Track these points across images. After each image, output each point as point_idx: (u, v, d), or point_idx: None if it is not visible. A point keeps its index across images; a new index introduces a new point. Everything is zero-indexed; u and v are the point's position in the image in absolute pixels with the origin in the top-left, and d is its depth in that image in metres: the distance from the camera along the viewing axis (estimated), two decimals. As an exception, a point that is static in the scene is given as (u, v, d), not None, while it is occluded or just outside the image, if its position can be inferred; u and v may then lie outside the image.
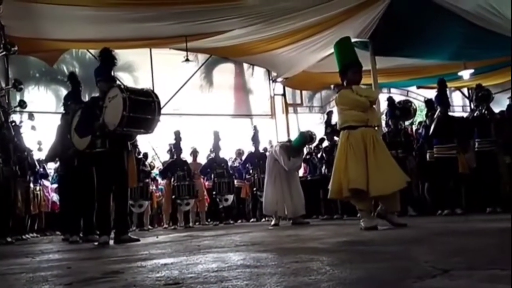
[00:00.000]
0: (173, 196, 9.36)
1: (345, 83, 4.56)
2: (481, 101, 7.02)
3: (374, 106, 4.61)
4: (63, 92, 10.43)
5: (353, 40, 10.47)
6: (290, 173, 7.12)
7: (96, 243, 4.80)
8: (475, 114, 7.19)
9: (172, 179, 9.45)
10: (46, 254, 4.04)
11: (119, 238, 4.78)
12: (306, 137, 7.61)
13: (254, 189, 10.12)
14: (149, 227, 9.81)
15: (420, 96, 14.07)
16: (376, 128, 4.57)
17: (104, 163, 4.78)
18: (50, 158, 7.02)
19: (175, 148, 9.57)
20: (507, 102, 6.91)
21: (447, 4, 8.93)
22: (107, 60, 4.97)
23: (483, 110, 6.97)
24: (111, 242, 4.75)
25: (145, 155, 9.71)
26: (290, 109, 14.03)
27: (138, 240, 4.84)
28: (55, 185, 9.67)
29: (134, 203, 8.90)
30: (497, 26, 9.09)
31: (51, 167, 10.08)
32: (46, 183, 10.15)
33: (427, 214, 7.27)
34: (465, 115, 9.49)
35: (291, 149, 7.05)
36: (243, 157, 10.84)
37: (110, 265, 2.62)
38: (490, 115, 6.90)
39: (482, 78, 11.04)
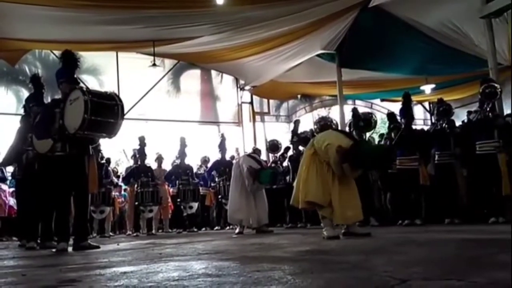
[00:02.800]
0: (136, 203, 9.18)
1: None
2: (442, 116, 7.27)
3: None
4: (25, 93, 10.14)
5: (320, 51, 10.75)
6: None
7: (54, 250, 4.64)
8: (436, 128, 7.43)
9: (136, 185, 9.27)
10: (1, 261, 3.89)
11: (78, 245, 4.63)
12: (275, 180, 7.72)
13: (219, 197, 10.06)
14: (111, 233, 9.59)
15: (383, 108, 14.41)
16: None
17: (64, 167, 4.65)
18: (7, 161, 6.74)
19: (139, 154, 9.41)
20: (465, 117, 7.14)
21: (411, 21, 9.22)
22: (69, 62, 4.85)
23: (444, 124, 7.22)
24: (70, 249, 4.60)
25: (108, 160, 9.50)
26: (257, 117, 14.09)
27: (98, 247, 4.71)
28: (12, 189, 9.32)
29: (95, 209, 8.69)
30: (458, 43, 9.44)
31: (11, 170, 9.72)
32: (4, 187, 9.78)
33: (388, 224, 7.42)
34: (426, 128, 9.77)
35: (257, 177, 7.02)
36: (209, 165, 10.77)
37: (67, 273, 2.55)
38: (450, 129, 7.14)
39: (443, 93, 11.41)
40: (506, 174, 6.15)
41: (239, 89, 13.91)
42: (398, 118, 7.64)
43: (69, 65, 4.84)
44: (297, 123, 9.16)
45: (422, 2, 8.33)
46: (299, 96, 14.48)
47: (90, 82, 11.35)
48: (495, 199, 6.23)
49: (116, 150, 10.72)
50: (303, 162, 4.58)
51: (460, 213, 6.86)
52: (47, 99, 6.98)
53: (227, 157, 10.24)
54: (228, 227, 10.04)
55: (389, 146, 7.28)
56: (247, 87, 13.54)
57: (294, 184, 4.72)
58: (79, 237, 4.72)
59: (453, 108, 7.58)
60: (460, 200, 6.99)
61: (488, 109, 6.42)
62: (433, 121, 9.55)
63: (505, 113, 7.15)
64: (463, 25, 8.84)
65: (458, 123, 7.46)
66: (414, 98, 9.91)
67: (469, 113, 7.19)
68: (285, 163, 9.79)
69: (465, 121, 7.10)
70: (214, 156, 10.43)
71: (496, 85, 6.48)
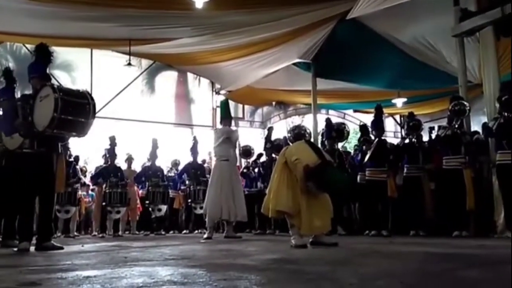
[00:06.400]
0: (104, 203, 9.02)
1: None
2: (412, 130, 7.44)
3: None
4: (-6, 86, 9.82)
5: (296, 60, 10.85)
6: (234, 179, 7.05)
7: (15, 249, 4.50)
8: (405, 142, 7.59)
9: (104, 185, 9.11)
10: (-43, 260, 3.74)
11: (41, 245, 4.51)
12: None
13: (189, 200, 10.00)
14: (76, 234, 9.37)
15: (356, 119, 14.63)
16: None
17: (30, 164, 4.53)
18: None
19: (109, 154, 9.26)
20: (435, 131, 7.32)
21: (387, 35, 9.40)
22: (42, 57, 4.74)
23: (413, 139, 7.39)
24: (32, 249, 4.48)
25: (76, 158, 9.31)
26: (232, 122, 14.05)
27: (61, 248, 4.59)
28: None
29: (60, 208, 8.48)
30: (431, 60, 9.68)
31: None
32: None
33: (356, 233, 7.52)
34: (396, 141, 9.97)
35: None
36: (179, 168, 10.69)
37: (27, 274, 2.47)
38: (419, 144, 7.32)
39: (413, 107, 11.66)
40: (471, 190, 6.34)
41: (214, 93, 13.87)
42: (370, 129, 7.78)
43: (42, 59, 4.72)
44: (270, 130, 9.21)
45: (398, 18, 8.50)
46: (274, 103, 14.56)
47: (62, 78, 11.10)
48: (459, 213, 6.40)
49: (85, 148, 10.49)
50: (275, 170, 4.61)
51: (425, 225, 7.02)
52: (17, 94, 6.82)
53: (199, 161, 10.20)
54: (196, 231, 9.98)
55: (351, 179, 7.31)
56: (222, 91, 13.51)
57: (267, 191, 4.73)
58: (42, 237, 4.60)
59: (422, 123, 7.78)
60: (426, 213, 7.16)
61: (456, 125, 6.61)
62: (403, 134, 9.76)
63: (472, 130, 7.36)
64: (437, 43, 9.08)
65: (427, 137, 7.63)
66: (385, 110, 10.11)
67: (438, 128, 7.37)
68: (256, 169, 9.82)
69: (433, 136, 7.28)
70: (186, 159, 10.35)
71: (465, 103, 6.69)
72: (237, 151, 11.28)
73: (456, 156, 6.56)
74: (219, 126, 7.65)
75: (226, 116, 7.30)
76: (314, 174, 4.16)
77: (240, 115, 14.53)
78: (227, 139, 6.95)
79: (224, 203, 6.78)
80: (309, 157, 4.30)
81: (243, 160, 10.68)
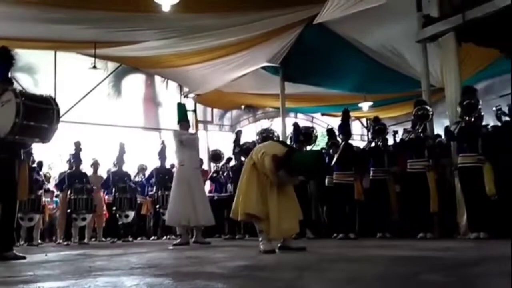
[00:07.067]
0: (69, 210, 8.78)
1: None
2: (377, 134, 7.59)
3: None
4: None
5: (265, 64, 10.90)
6: (193, 184, 6.79)
7: (-26, 260, 4.33)
8: (371, 145, 7.73)
9: (69, 192, 8.87)
10: None
11: (2, 254, 4.34)
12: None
13: (157, 206, 9.85)
14: (39, 242, 9.10)
15: (323, 122, 14.80)
16: None
17: (-9, 171, 4.37)
18: None
19: (74, 159, 9.04)
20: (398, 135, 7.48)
21: (353, 40, 9.57)
22: (4, 60, 4.60)
23: (378, 142, 7.53)
24: (-8, 259, 4.31)
25: (40, 164, 9.04)
26: (200, 126, 13.98)
27: (23, 257, 4.44)
28: None
29: (23, 216, 8.23)
30: (395, 64, 9.91)
31: None
32: None
33: (324, 236, 7.60)
34: (363, 144, 10.13)
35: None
36: (146, 173, 10.54)
37: (-15, 288, 2.38)
38: (384, 147, 7.47)
39: (379, 111, 11.91)
40: (435, 192, 6.51)
41: (182, 96, 13.75)
42: (337, 133, 7.88)
43: (3, 63, 4.59)
44: (239, 133, 9.20)
45: (364, 23, 8.66)
46: (243, 106, 14.57)
47: (24, 81, 10.76)
48: (424, 215, 6.55)
49: (49, 153, 10.22)
50: (243, 173, 4.58)
51: (391, 227, 7.16)
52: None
53: (167, 165, 10.06)
54: (165, 237, 9.85)
55: (320, 151, 7.42)
56: (191, 95, 13.41)
57: (236, 195, 4.69)
58: (3, 246, 4.43)
59: (387, 126, 7.94)
60: (392, 215, 7.30)
61: (420, 129, 6.77)
62: (369, 138, 9.93)
63: (435, 133, 7.57)
64: (401, 47, 9.30)
65: (392, 141, 7.79)
66: (352, 114, 10.26)
67: (404, 131, 7.53)
68: (226, 173, 9.78)
69: (397, 139, 7.43)
70: (154, 164, 10.21)
71: (428, 108, 6.87)
72: (205, 155, 11.30)
73: (419, 159, 6.72)
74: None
75: (182, 119, 7.15)
76: (283, 161, 4.17)
77: (209, 119, 14.47)
78: (180, 143, 6.85)
79: (182, 209, 6.55)
80: (275, 149, 4.33)
81: (212, 165, 10.63)
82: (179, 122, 7.09)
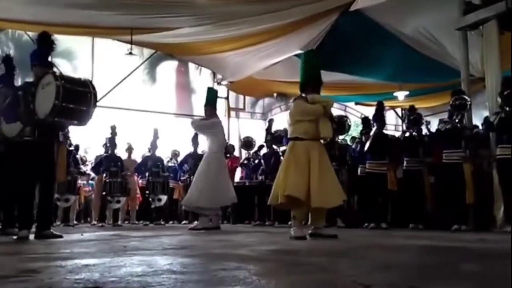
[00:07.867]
0: (104, 193, 9.03)
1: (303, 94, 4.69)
2: (412, 124, 7.43)
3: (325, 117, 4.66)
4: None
5: (298, 52, 10.78)
6: (208, 169, 6.90)
7: (15, 237, 4.52)
8: (406, 135, 7.58)
9: (104, 175, 9.11)
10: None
11: (41, 233, 4.52)
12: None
13: (189, 190, 9.99)
14: (75, 223, 9.40)
15: (357, 112, 14.59)
16: (323, 141, 4.70)
17: (31, 153, 4.53)
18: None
19: (110, 143, 9.25)
20: (436, 125, 7.31)
21: (390, 28, 9.35)
22: (45, 45, 4.73)
23: (413, 132, 7.38)
24: (32, 237, 4.49)
25: (77, 147, 9.31)
26: (232, 113, 14.03)
27: (61, 236, 4.61)
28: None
29: (60, 196, 8.50)
30: (433, 53, 9.63)
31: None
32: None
33: (355, 226, 7.54)
34: (397, 134, 9.96)
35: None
36: (179, 158, 10.68)
37: (27, 262, 2.48)
38: (419, 137, 7.31)
39: (415, 100, 11.61)
40: (471, 184, 6.34)
41: (216, 84, 13.81)
42: (371, 122, 7.76)
43: (45, 47, 4.72)
44: (271, 122, 9.20)
45: (401, 10, 8.45)
46: (275, 94, 14.49)
47: (63, 66, 11.04)
48: (459, 207, 6.40)
49: (86, 137, 10.48)
50: (283, 160, 4.63)
51: (424, 219, 7.03)
52: (18, 81, 6.80)
53: (199, 151, 10.16)
54: (196, 222, 9.97)
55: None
56: (223, 82, 13.45)
57: (273, 183, 4.66)
58: (42, 225, 4.61)
59: (423, 117, 7.76)
60: (425, 206, 7.16)
61: (457, 120, 6.59)
62: (404, 127, 9.73)
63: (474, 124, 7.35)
64: (440, 36, 9.02)
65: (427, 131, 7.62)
66: (387, 103, 10.09)
67: (439, 121, 7.36)
68: (257, 161, 9.81)
69: (431, 130, 7.26)
70: (187, 149, 10.34)
71: (466, 97, 6.66)
72: (238, 143, 11.35)
73: (456, 150, 6.55)
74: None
75: (207, 103, 7.20)
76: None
77: (241, 107, 14.49)
78: (200, 131, 6.91)
79: (221, 193, 6.74)
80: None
81: (243, 151, 10.69)
82: (205, 105, 7.16)
